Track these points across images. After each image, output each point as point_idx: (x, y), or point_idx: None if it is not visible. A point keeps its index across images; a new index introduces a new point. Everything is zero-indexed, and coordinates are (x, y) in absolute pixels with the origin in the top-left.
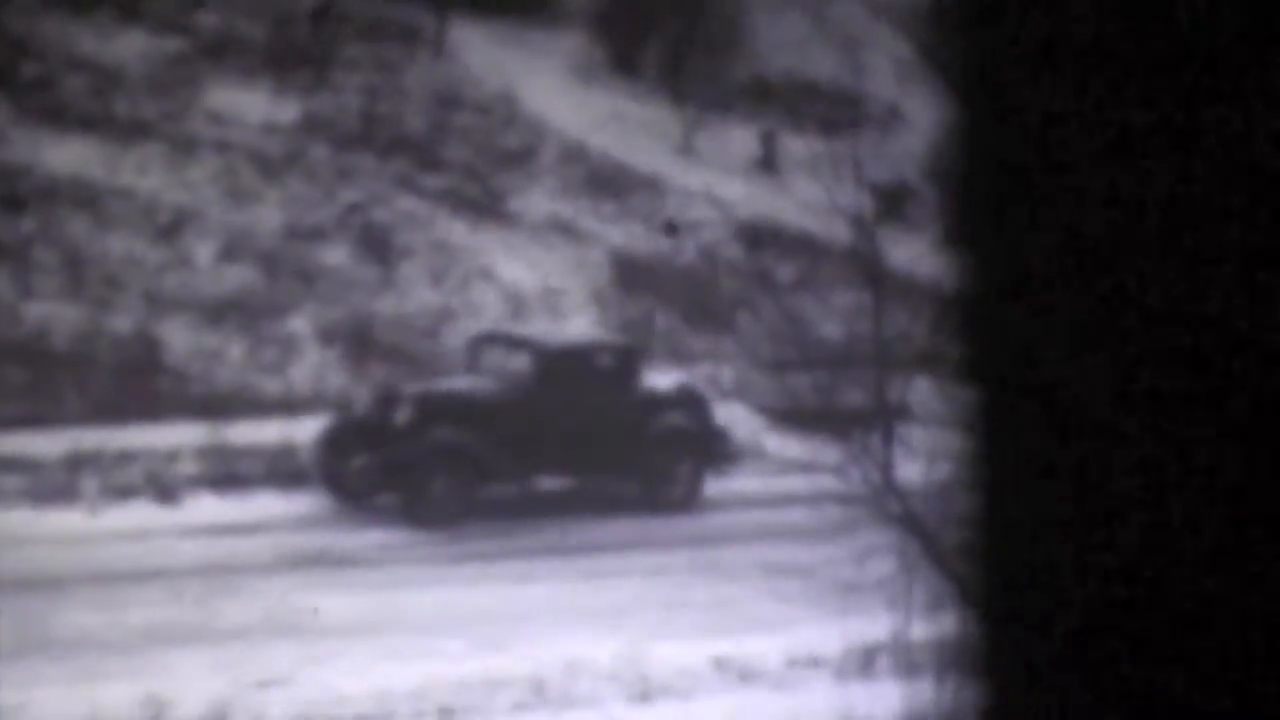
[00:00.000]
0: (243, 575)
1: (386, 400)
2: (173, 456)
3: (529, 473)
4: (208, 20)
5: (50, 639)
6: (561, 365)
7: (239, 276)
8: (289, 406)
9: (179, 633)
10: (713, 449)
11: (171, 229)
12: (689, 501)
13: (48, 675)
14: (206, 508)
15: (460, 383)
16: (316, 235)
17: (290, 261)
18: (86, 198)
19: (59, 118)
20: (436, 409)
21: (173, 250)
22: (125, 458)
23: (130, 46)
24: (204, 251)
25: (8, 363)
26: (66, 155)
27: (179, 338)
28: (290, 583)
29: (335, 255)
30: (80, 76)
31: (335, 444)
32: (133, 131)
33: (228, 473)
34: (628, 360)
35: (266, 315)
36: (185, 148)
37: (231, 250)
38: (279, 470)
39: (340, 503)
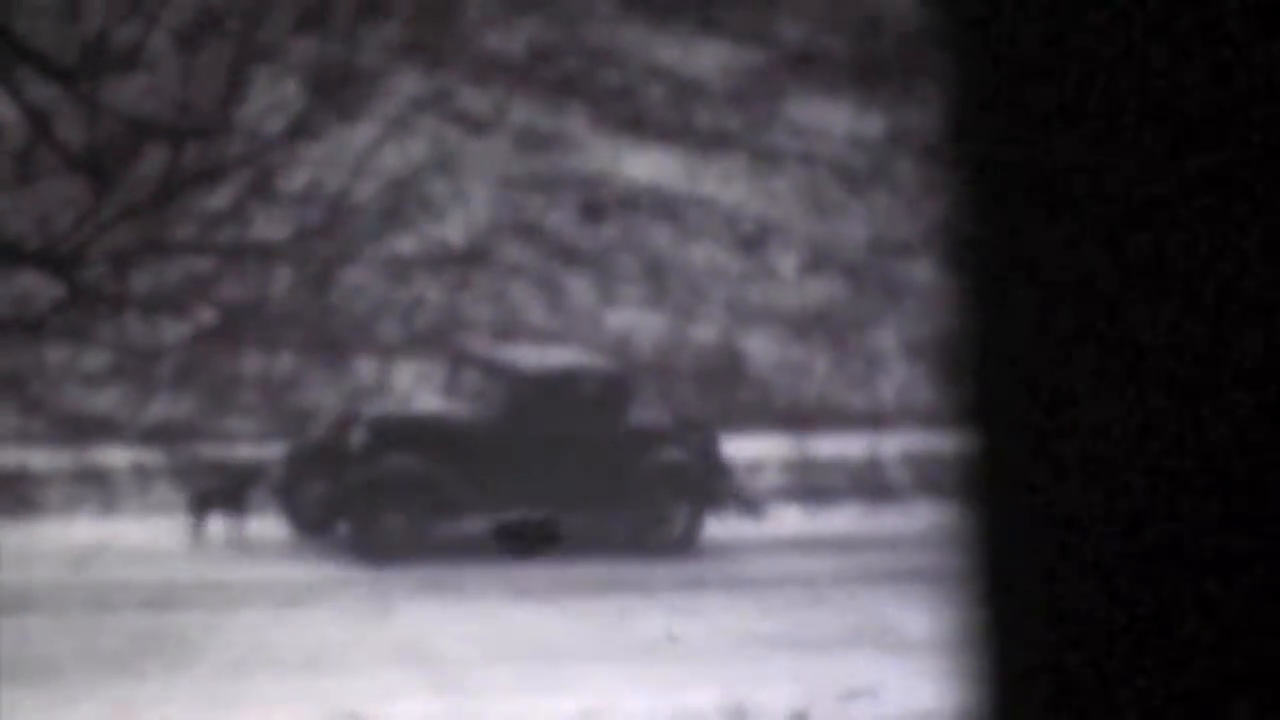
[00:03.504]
0: (827, 588)
1: (344, 423)
2: (756, 468)
3: (499, 507)
4: (790, 32)
5: (637, 643)
6: (540, 392)
7: (824, 289)
8: (875, 421)
9: (764, 642)
10: (715, 489)
11: (755, 240)
12: (687, 545)
13: (636, 677)
14: (791, 521)
15: (426, 405)
16: (903, 249)
17: (876, 275)
18: (668, 207)
19: (639, 127)
20: (394, 433)
21: (756, 261)
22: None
23: (711, 57)
24: (788, 263)
25: None
26: (647, 164)
27: (762, 349)
28: (876, 596)
29: (921, 270)
30: (660, 86)
31: (294, 469)
32: (714, 142)
33: (812, 486)
34: (617, 388)
35: (852, 328)
36: (768, 159)
37: (816, 262)
38: (864, 484)
39: (299, 533)
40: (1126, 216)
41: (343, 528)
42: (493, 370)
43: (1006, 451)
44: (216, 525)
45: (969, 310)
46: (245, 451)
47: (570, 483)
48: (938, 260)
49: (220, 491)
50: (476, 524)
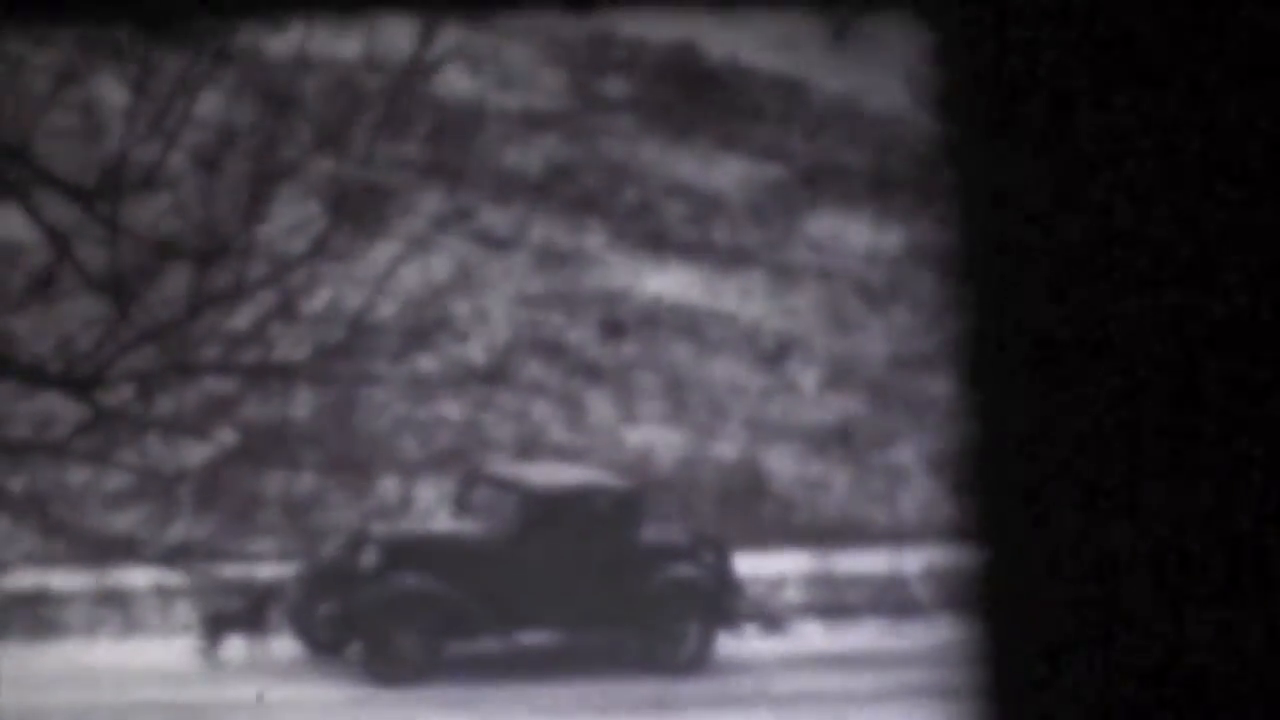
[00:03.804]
0: (849, 706)
1: (355, 543)
2: (777, 585)
3: (511, 626)
4: (807, 148)
5: None
6: (551, 510)
7: (844, 404)
8: (897, 536)
9: None
10: (728, 606)
11: (775, 355)
12: (698, 662)
13: None
14: (813, 637)
15: (438, 525)
16: (922, 364)
17: (896, 390)
18: (688, 323)
19: (658, 243)
20: (405, 553)
21: (776, 377)
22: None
23: (730, 173)
24: (808, 379)
25: None
26: (666, 281)
27: (783, 465)
28: (898, 713)
29: (941, 385)
30: (679, 202)
31: (307, 589)
32: (733, 258)
33: (834, 602)
34: (629, 505)
35: (873, 444)
36: (787, 275)
37: (836, 378)
38: (887, 600)
39: (312, 653)
40: (1136, 346)
41: (355, 648)
42: (504, 488)
43: (1009, 568)
44: (231, 646)
45: (972, 427)
46: (268, 571)
47: (582, 600)
48: (949, 376)
49: (234, 612)
50: (489, 643)
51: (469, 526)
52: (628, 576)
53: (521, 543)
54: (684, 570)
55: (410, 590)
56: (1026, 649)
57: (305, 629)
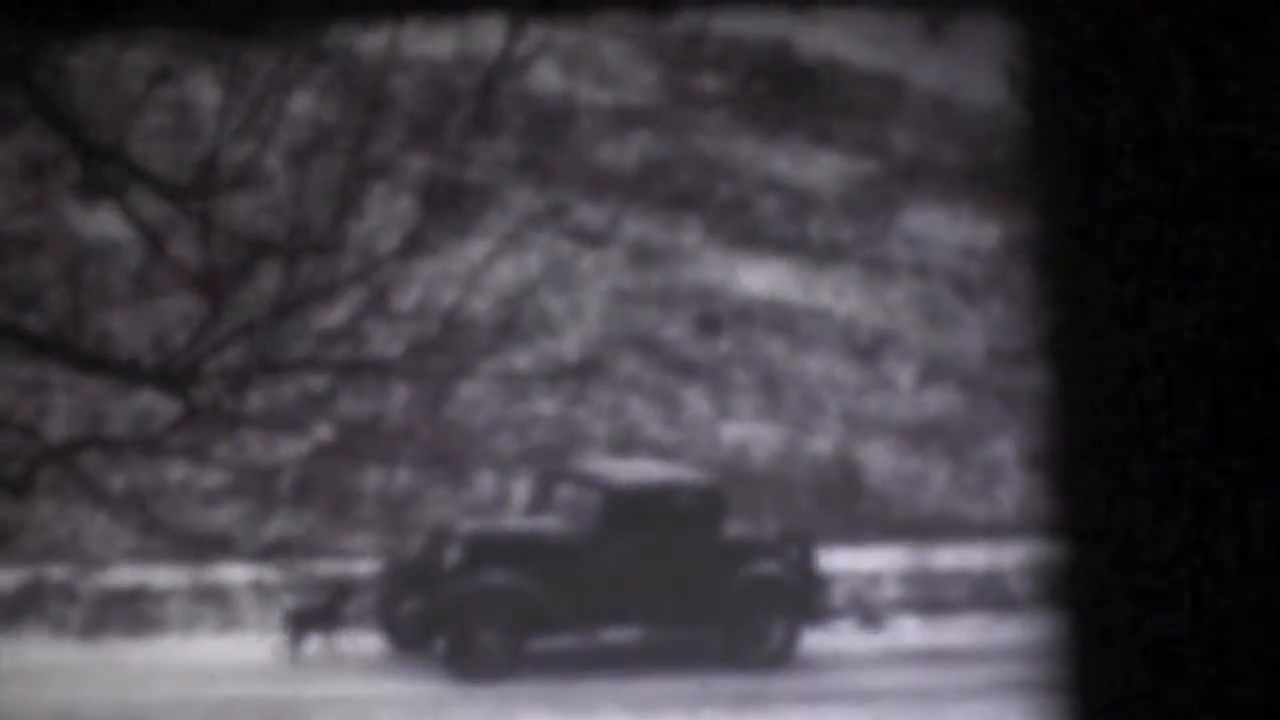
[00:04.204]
0: (948, 702)
1: (438, 540)
2: (875, 580)
3: (594, 623)
4: (902, 142)
5: None
6: (633, 506)
7: (940, 399)
8: (994, 531)
9: None
10: (812, 601)
11: (871, 350)
12: (783, 659)
13: None
14: (910, 632)
15: (521, 522)
16: (1019, 358)
17: (993, 384)
18: (783, 318)
19: (753, 239)
20: (488, 550)
21: (872, 372)
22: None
23: (825, 168)
24: (904, 374)
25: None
26: (761, 276)
27: (880, 460)
28: (997, 709)
29: (1038, 379)
30: (774, 198)
31: (391, 586)
32: (829, 253)
33: (931, 598)
34: (711, 502)
35: (970, 438)
36: (883, 269)
37: (932, 372)
38: (985, 595)
39: (397, 649)
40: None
41: (439, 644)
42: (586, 485)
43: (1100, 563)
44: (313, 643)
45: (1064, 422)
46: (364, 568)
47: (665, 597)
48: (1042, 370)
49: (311, 609)
50: (572, 639)
51: (552, 523)
52: (711, 573)
53: (604, 539)
54: (768, 566)
55: (494, 587)
56: (1118, 645)
57: (390, 625)
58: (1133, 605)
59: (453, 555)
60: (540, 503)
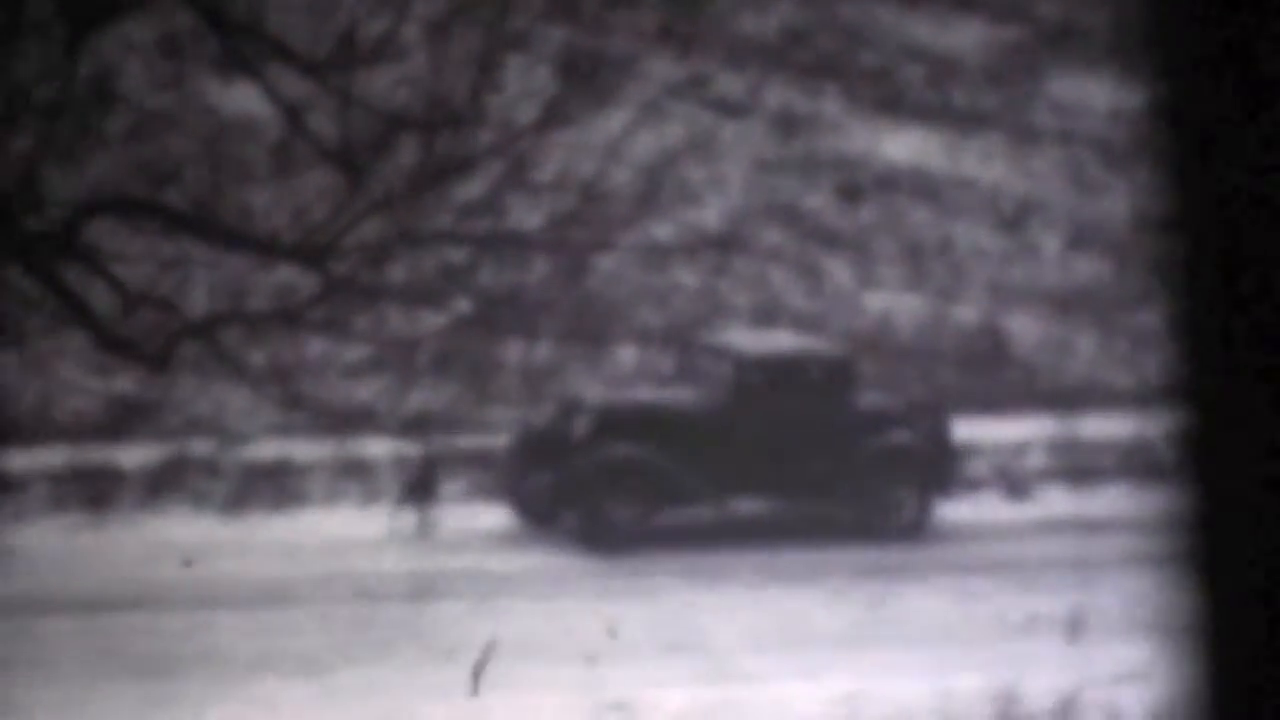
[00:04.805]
0: (1096, 570)
1: (568, 411)
2: (1021, 450)
3: (724, 494)
4: (1047, 8)
5: (905, 628)
6: (764, 376)
7: (1087, 267)
8: (1142, 399)
9: (1025, 626)
10: (944, 472)
11: (1016, 219)
12: (917, 529)
13: (897, 662)
14: (1057, 502)
15: (650, 393)
16: (1167, 225)
17: (1140, 251)
18: (926, 187)
19: (896, 107)
20: (618, 421)
21: (1018, 240)
22: (971, 450)
23: (968, 35)
24: (1050, 242)
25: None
26: (904, 145)
27: (1026, 329)
28: (1145, 579)
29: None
30: (917, 65)
31: (519, 457)
32: (972, 121)
33: (1080, 466)
34: (841, 372)
35: (1117, 306)
36: (1028, 137)
37: (1078, 240)
38: (1133, 464)
39: (526, 523)
40: None
41: (568, 517)
42: (716, 356)
43: (1230, 433)
44: (428, 516)
45: (1186, 294)
46: (504, 441)
47: (795, 468)
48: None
49: (407, 483)
50: (702, 511)
51: (682, 395)
52: (841, 444)
53: (733, 410)
54: (898, 436)
55: (622, 459)
56: (1243, 516)
57: (519, 499)
58: (1263, 477)
59: (581, 427)
60: (680, 374)
